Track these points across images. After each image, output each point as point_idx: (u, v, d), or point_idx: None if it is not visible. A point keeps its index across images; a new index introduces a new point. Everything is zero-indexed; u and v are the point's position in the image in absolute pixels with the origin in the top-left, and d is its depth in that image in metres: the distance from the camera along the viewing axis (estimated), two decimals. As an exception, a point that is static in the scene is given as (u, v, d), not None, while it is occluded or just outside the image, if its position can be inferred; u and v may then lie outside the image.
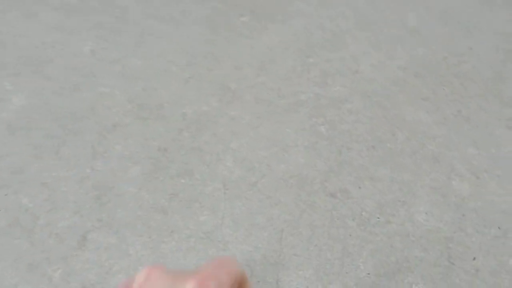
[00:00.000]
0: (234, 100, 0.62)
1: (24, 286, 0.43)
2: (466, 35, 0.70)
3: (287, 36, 0.71)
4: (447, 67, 0.65)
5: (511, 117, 0.58)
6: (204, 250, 0.46)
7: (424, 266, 0.43)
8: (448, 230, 0.47)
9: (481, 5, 0.75)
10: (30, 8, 0.74)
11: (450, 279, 0.42)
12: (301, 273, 0.43)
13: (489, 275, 0.43)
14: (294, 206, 0.49)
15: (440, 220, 0.48)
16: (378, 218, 0.48)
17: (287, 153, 0.55)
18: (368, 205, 0.50)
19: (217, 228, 0.47)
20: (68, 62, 0.69)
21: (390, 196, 0.50)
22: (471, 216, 0.48)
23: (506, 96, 0.61)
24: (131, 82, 0.65)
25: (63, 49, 0.71)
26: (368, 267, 0.43)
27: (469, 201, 0.50)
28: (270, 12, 0.72)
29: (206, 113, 0.60)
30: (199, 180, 0.53)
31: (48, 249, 0.47)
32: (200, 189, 0.52)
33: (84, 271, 0.45)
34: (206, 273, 0.26)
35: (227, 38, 0.71)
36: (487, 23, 0.72)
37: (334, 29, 0.72)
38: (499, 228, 0.47)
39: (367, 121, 0.59)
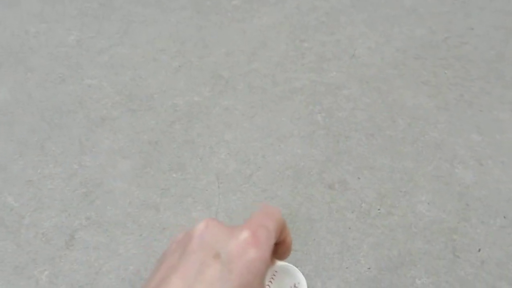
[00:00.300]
0: (226, 89, 0.59)
1: (9, 291, 0.42)
2: (467, 14, 0.67)
3: (280, 18, 0.68)
4: (448, 49, 0.63)
5: (515, 100, 0.56)
6: (198, 246, 0.44)
7: (428, 259, 0.42)
8: (451, 220, 0.45)
9: (482, -16, 0.72)
10: (11, -4, 0.71)
11: (455, 272, 0.41)
12: (299, 268, 0.41)
13: (496, 267, 0.41)
14: (291, 199, 0.47)
15: (443, 210, 0.46)
16: (379, 209, 0.46)
17: (283, 144, 0.53)
18: (368, 196, 0.47)
19: (211, 224, 0.45)
20: (52, 52, 0.66)
21: (391, 186, 0.48)
22: (476, 206, 0.46)
23: (509, 78, 0.59)
24: (119, 73, 0.62)
25: (47, 39, 0.68)
26: (369, 261, 0.42)
27: (473, 189, 0.48)
28: (263, -5, 0.69)
29: (198, 104, 0.58)
30: (192, 174, 0.50)
31: (34, 250, 0.45)
32: (193, 184, 0.50)
33: (72, 272, 0.43)
34: (256, 222, 0.29)
35: (217, 23, 0.68)
36: (488, 1, 0.69)
37: (328, 10, 0.69)
38: (504, 217, 0.45)
39: (365, 107, 0.56)
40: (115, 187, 0.50)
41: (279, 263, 0.40)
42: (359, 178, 0.49)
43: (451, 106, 0.56)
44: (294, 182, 0.49)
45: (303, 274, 0.41)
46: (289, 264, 0.41)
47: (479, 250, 0.42)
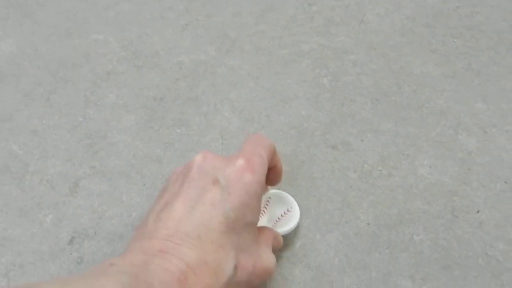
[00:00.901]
0: (233, 49, 0.59)
1: (14, 230, 0.42)
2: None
3: (290, -16, 0.67)
4: (459, 18, 0.62)
5: (523, 72, 0.56)
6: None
7: (427, 218, 0.42)
8: (452, 184, 0.45)
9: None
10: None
11: (453, 231, 0.41)
12: (299, 222, 0.42)
13: (494, 228, 0.41)
14: (293, 158, 0.48)
15: (445, 173, 0.46)
16: (381, 170, 0.46)
17: (287, 105, 0.53)
18: (370, 157, 0.48)
19: (213, 178, 0.46)
20: (59, 6, 0.65)
21: (394, 149, 0.48)
22: (477, 171, 0.47)
23: (518, 52, 0.58)
24: (125, 29, 0.62)
25: (54, -5, 0.67)
26: (368, 217, 0.42)
27: (476, 155, 0.48)
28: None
29: (204, 62, 0.58)
30: (196, 131, 0.51)
31: (39, 195, 0.45)
32: (196, 139, 0.50)
33: (76, 216, 0.43)
34: (249, 151, 0.32)
35: (227, -15, 0.67)
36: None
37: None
38: (505, 182, 0.45)
39: (372, 73, 0.56)
40: (119, 140, 0.50)
41: (272, 190, 0.43)
42: (362, 140, 0.49)
43: (458, 75, 0.56)
44: (297, 142, 0.49)
45: (302, 226, 0.42)
46: (282, 191, 0.42)
47: (478, 211, 0.43)
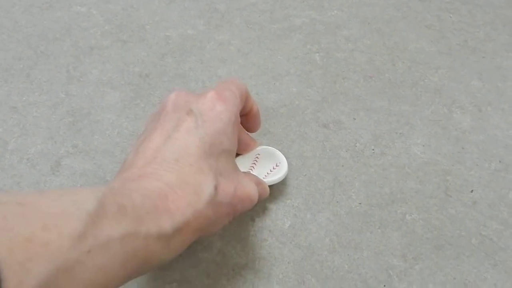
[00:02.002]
0: (222, 23, 0.57)
1: (-9, 211, 0.41)
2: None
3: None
4: (455, -7, 0.60)
5: (519, 50, 0.54)
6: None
7: (419, 198, 0.41)
8: (446, 163, 0.44)
9: None
10: None
11: (446, 210, 0.40)
12: (289, 201, 0.40)
13: (487, 207, 0.40)
14: (283, 136, 0.46)
15: (439, 152, 0.45)
16: (373, 149, 0.45)
17: (278, 82, 0.51)
18: (363, 136, 0.46)
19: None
20: (39, -22, 0.62)
21: (387, 127, 0.47)
22: (472, 149, 0.46)
23: (514, 30, 0.57)
24: (109, 1, 0.59)
25: (34, -35, 0.64)
26: (360, 197, 0.41)
27: (470, 134, 0.47)
28: None
29: (192, 37, 0.55)
30: (183, 108, 0.49)
31: (19, 174, 0.43)
32: (183, 117, 0.48)
33: (57, 198, 0.42)
34: (219, 87, 0.32)
35: (216, -43, 0.64)
36: None
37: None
38: (500, 161, 0.45)
39: (365, 49, 0.54)
40: (103, 118, 0.48)
41: (261, 147, 0.43)
42: (354, 118, 0.48)
43: (453, 52, 0.54)
44: (287, 120, 0.48)
45: (292, 206, 0.40)
46: (270, 147, 0.42)
47: (472, 191, 0.42)
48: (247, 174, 0.35)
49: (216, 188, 0.27)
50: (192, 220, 0.26)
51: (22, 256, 0.18)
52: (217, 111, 0.29)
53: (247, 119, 0.38)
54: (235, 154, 0.32)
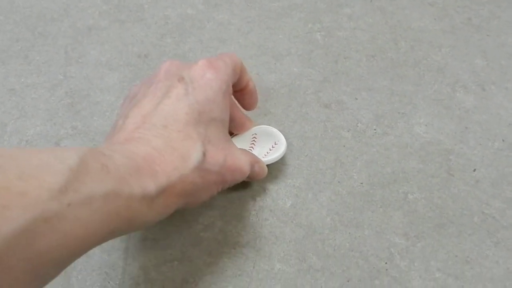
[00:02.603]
0: (222, 2, 0.56)
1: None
2: None
3: None
4: (460, -30, 0.59)
5: (524, 29, 0.53)
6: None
7: (422, 177, 0.41)
8: (449, 142, 0.44)
9: None
10: None
11: (448, 190, 0.40)
12: (290, 181, 0.40)
13: (490, 186, 0.40)
14: (284, 117, 0.46)
15: (441, 132, 0.45)
16: (375, 129, 0.45)
17: (279, 62, 0.50)
18: (365, 116, 0.46)
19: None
20: (35, -42, 0.61)
21: (389, 107, 0.47)
22: (475, 129, 0.45)
23: (519, 8, 0.55)
24: (106, -19, 0.58)
25: None
26: (362, 177, 0.41)
27: (473, 113, 0.46)
28: None
29: (191, 17, 0.55)
30: (183, 89, 0.48)
31: (18, 156, 0.43)
32: (183, 98, 0.47)
33: (57, 179, 0.41)
34: (213, 57, 0.32)
35: None
36: None
37: None
38: (503, 140, 0.44)
39: (367, 28, 0.53)
40: (102, 99, 0.48)
41: (259, 126, 0.43)
42: (356, 98, 0.47)
43: (457, 30, 0.54)
44: (288, 101, 0.47)
45: (293, 186, 0.40)
46: (267, 126, 0.42)
47: (475, 170, 0.41)
48: (243, 150, 0.34)
49: (204, 154, 0.27)
50: (177, 183, 0.26)
51: None
52: (208, 78, 0.29)
53: (242, 95, 0.38)
54: (227, 124, 0.32)
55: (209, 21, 0.54)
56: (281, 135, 0.41)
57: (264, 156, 0.39)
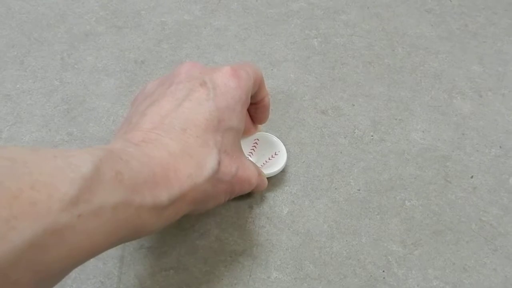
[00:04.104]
0: (219, 8, 0.56)
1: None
2: None
3: None
4: (456, -23, 0.59)
5: (520, 35, 0.53)
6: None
7: (419, 184, 0.41)
8: (446, 149, 0.44)
9: None
10: None
11: (446, 196, 0.40)
12: (287, 188, 0.40)
13: (487, 193, 0.40)
14: (281, 123, 0.45)
15: (438, 138, 0.45)
16: (372, 136, 0.45)
17: (276, 68, 0.50)
18: (362, 123, 0.46)
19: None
20: (32, -36, 0.61)
21: (386, 113, 0.46)
22: (472, 135, 0.45)
23: (515, 15, 0.56)
24: (103, -13, 0.58)
25: (27, -49, 0.62)
26: (359, 183, 0.41)
27: (470, 120, 0.46)
28: None
29: (188, 23, 0.54)
30: (180, 95, 0.48)
31: (13, 163, 0.43)
32: (180, 104, 0.47)
33: (52, 186, 0.41)
34: (235, 65, 0.31)
35: None
36: None
37: None
38: (500, 147, 0.44)
39: (364, 34, 0.54)
40: (98, 105, 0.47)
41: (261, 132, 0.42)
42: (353, 105, 0.47)
43: (454, 36, 0.54)
44: (285, 107, 0.47)
45: (290, 193, 0.40)
46: (270, 134, 0.42)
47: (472, 177, 0.41)
48: (251, 161, 0.35)
49: (219, 164, 0.27)
50: (189, 192, 0.25)
51: (7, 213, 0.17)
52: (230, 86, 0.29)
53: (256, 108, 0.37)
54: (241, 134, 0.32)
55: (206, 27, 0.54)
56: (283, 146, 0.41)
57: (263, 164, 0.39)
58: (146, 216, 0.23)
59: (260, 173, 0.35)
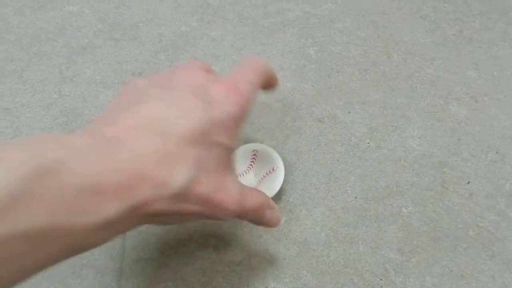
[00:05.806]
0: (215, 19, 0.56)
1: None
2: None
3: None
4: (450, -17, 0.59)
5: (516, 39, 0.54)
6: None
7: (416, 191, 0.41)
8: (442, 155, 0.44)
9: None
10: None
11: (443, 203, 0.40)
12: (284, 197, 0.40)
13: (484, 198, 0.40)
14: (278, 132, 0.46)
15: (435, 145, 0.45)
16: (368, 143, 0.45)
17: (272, 77, 0.51)
18: (358, 130, 0.46)
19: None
20: (30, -21, 0.62)
21: (382, 121, 0.47)
22: (468, 141, 0.45)
23: None
24: (102, 0, 0.59)
25: (25, -35, 0.63)
26: (355, 191, 0.41)
27: (466, 125, 0.46)
28: None
29: (185, 34, 0.55)
30: (177, 106, 0.48)
31: (12, 176, 0.43)
32: (177, 115, 0.48)
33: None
34: (241, 75, 0.29)
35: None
36: None
37: None
38: (496, 152, 0.44)
39: (360, 42, 0.54)
40: (97, 117, 0.48)
41: (259, 144, 0.42)
42: (349, 112, 0.48)
43: (449, 42, 0.54)
44: (282, 115, 0.47)
45: (287, 202, 0.40)
46: (269, 147, 0.41)
47: (468, 182, 0.41)
48: (253, 189, 0.30)
49: (192, 181, 0.24)
50: (147, 205, 0.23)
51: None
52: (227, 102, 0.27)
53: (265, 87, 0.34)
54: (232, 154, 0.29)
55: (202, 37, 0.55)
56: (281, 162, 0.39)
57: (261, 179, 0.39)
58: (83, 235, 0.21)
59: (272, 206, 0.31)
